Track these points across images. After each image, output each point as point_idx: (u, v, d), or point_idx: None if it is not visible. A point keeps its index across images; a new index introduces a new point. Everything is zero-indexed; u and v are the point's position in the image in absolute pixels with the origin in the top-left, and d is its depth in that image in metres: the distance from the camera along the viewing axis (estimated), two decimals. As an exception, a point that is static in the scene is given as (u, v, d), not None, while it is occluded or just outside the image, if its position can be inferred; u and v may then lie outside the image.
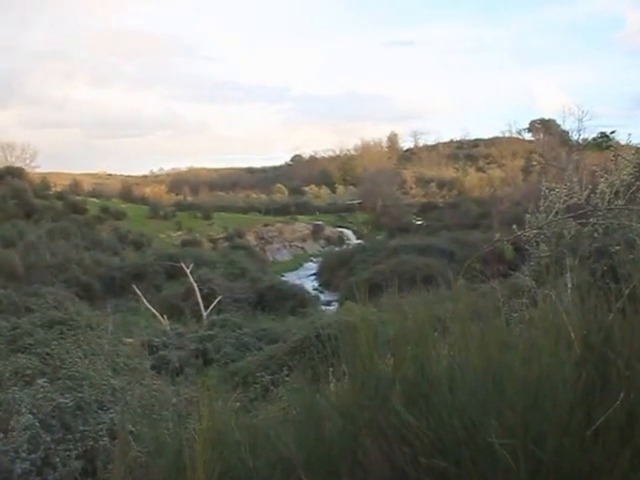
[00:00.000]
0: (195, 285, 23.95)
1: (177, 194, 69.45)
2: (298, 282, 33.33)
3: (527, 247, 3.58)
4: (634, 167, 3.80)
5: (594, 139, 3.56)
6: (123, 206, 51.16)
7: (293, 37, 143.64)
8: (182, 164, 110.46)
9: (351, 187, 72.82)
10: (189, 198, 66.42)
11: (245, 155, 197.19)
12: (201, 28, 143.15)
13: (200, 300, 22.95)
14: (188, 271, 24.86)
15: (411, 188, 71.93)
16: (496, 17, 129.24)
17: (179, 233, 45.90)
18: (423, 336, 3.64)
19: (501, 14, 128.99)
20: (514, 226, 3.64)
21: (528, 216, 3.52)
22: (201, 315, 22.06)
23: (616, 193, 3.63)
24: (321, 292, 33.33)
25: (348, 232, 53.41)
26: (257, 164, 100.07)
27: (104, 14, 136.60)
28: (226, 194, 69.96)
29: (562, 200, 3.51)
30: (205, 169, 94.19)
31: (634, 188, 3.68)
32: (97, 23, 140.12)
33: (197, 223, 49.25)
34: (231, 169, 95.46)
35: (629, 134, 6.05)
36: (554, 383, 2.29)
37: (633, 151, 4.76)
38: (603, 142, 3.27)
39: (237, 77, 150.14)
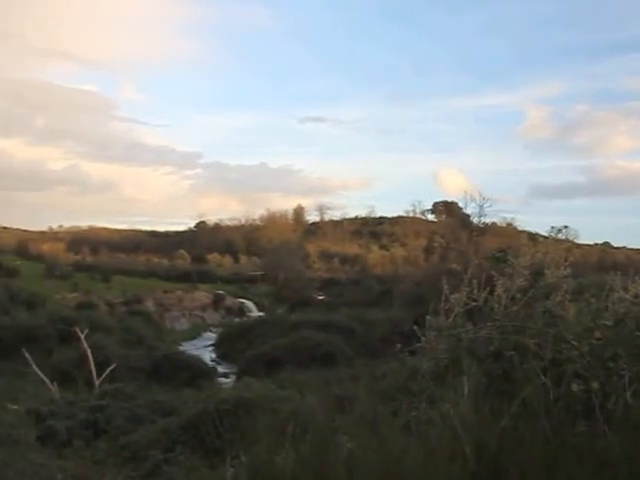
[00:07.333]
0: (89, 351, 23.08)
1: (76, 253, 67.56)
2: (196, 352, 32.81)
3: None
4: (529, 273, 4.02)
5: (493, 254, 3.76)
6: (18, 262, 49.44)
7: (210, 106, 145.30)
8: (83, 222, 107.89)
9: (255, 258, 72.80)
10: (88, 258, 64.78)
11: (149, 218, 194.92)
12: (119, 88, 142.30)
13: (93, 367, 22.10)
14: (82, 336, 23.97)
15: (314, 262, 72.53)
16: (403, 102, 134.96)
17: (75, 295, 44.31)
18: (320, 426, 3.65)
19: (408, 99, 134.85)
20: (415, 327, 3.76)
21: (428, 317, 3.66)
22: (93, 383, 21.24)
23: (512, 298, 3.83)
24: (219, 364, 32.88)
25: (250, 303, 53.01)
26: (161, 228, 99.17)
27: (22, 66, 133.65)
28: (127, 257, 68.54)
29: (462, 303, 3.68)
30: (107, 229, 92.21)
31: (529, 294, 3.88)
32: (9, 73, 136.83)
33: (95, 285, 47.87)
34: (134, 231, 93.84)
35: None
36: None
37: (526, 240, 5.04)
38: (501, 257, 3.48)
39: (149, 139, 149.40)
